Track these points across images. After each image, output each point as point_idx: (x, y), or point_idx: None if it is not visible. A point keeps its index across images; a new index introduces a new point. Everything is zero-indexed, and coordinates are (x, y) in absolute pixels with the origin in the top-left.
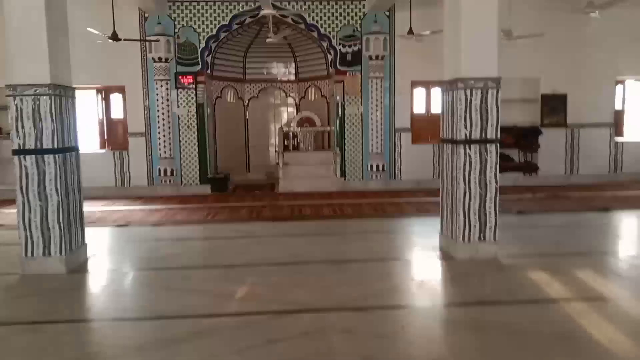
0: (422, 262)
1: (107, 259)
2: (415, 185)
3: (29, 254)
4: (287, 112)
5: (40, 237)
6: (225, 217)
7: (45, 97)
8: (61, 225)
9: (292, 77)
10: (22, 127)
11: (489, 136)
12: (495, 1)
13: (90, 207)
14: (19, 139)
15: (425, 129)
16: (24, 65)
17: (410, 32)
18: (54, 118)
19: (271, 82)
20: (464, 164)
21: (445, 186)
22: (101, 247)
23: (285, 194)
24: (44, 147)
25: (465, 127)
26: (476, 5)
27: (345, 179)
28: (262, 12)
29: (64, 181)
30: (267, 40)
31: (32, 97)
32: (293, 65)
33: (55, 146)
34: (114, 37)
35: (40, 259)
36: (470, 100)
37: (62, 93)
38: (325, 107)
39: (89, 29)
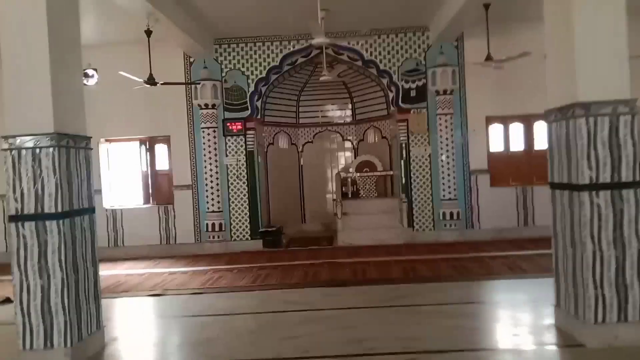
0: (535, 352)
1: (130, 346)
2: (497, 235)
3: (27, 345)
4: (344, 157)
5: (41, 324)
6: (276, 281)
7: (47, 149)
8: (66, 308)
9: (349, 119)
10: (20, 186)
11: (624, 178)
12: (622, 2)
13: (129, 270)
14: (16, 202)
15: (505, 169)
16: (22, 112)
17: (489, 58)
18: (59, 175)
19: (327, 126)
20: (591, 218)
21: (561, 246)
22: (127, 327)
23: (345, 248)
24: (46, 210)
25: (590, 168)
26: (596, 10)
27: (413, 230)
28: (314, 42)
29: (71, 253)
30: (321, 78)
31: (32, 149)
32: (350, 106)
33: (60, 209)
34: (151, 81)
35: (40, 353)
36: (595, 131)
37: (71, 144)
38: (387, 150)
39: (121, 72)
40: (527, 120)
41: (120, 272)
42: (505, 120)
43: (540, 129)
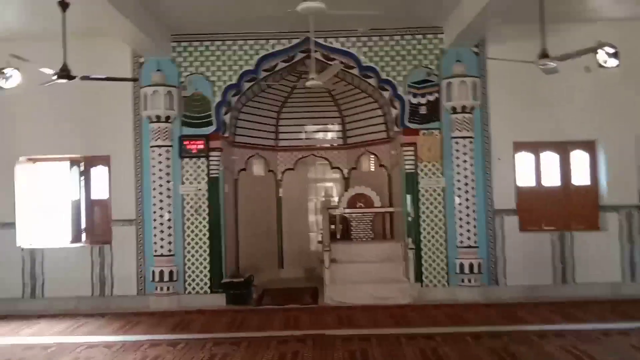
0: None
1: None
2: (528, 295)
3: None
4: (333, 189)
5: None
6: None
7: None
8: None
9: (340, 142)
10: None
11: None
12: None
13: (34, 338)
14: None
15: (537, 209)
16: None
17: (544, 55)
18: None
19: (312, 150)
20: None
21: None
22: None
23: (335, 310)
24: None
25: None
26: None
27: (422, 285)
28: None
29: None
30: (308, 83)
31: None
32: (340, 126)
33: None
34: (64, 74)
35: None
36: None
37: None
38: (386, 181)
39: (42, 69)
40: (563, 149)
41: (20, 342)
42: (537, 147)
43: (580, 159)
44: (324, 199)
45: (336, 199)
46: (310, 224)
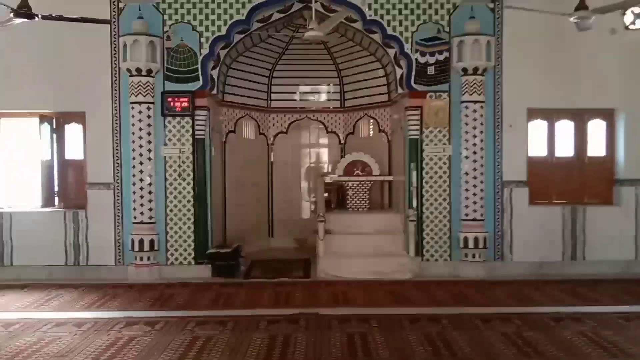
0: None
1: None
2: (535, 272)
3: None
4: (328, 154)
5: None
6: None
7: None
8: None
9: (336, 105)
10: None
11: None
12: None
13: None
14: None
15: (548, 181)
16: None
17: (582, 6)
18: None
19: (306, 112)
20: None
21: None
22: None
23: (329, 285)
24: None
25: None
26: None
27: (422, 259)
28: None
29: None
30: (307, 34)
31: None
32: (338, 87)
33: None
34: (23, 12)
35: None
36: None
37: None
38: (386, 148)
39: None
40: (580, 117)
41: None
42: (551, 115)
43: (597, 128)
44: (318, 165)
45: (331, 165)
46: (302, 191)
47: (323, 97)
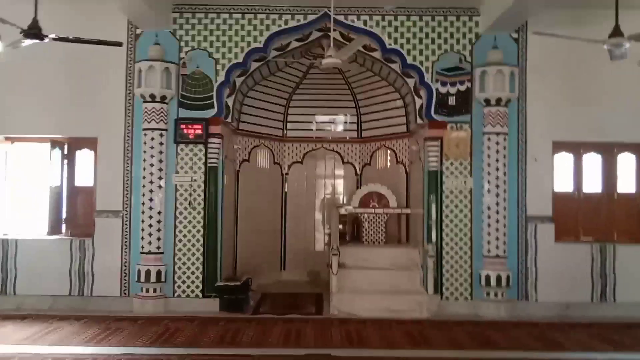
0: None
1: None
2: (561, 313)
3: None
4: (343, 185)
5: None
6: None
7: None
8: None
9: (353, 135)
10: None
11: None
12: None
13: None
14: None
15: (575, 217)
16: None
17: (617, 33)
18: None
19: (322, 142)
20: None
21: None
22: None
23: (343, 323)
24: None
25: None
26: None
27: (442, 297)
28: None
29: None
30: (324, 61)
31: None
32: (355, 117)
33: None
34: (33, 32)
35: None
36: None
37: None
38: (404, 180)
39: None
40: (608, 151)
41: None
42: (578, 148)
43: (627, 163)
44: (333, 196)
45: (347, 197)
46: (316, 223)
47: (340, 127)
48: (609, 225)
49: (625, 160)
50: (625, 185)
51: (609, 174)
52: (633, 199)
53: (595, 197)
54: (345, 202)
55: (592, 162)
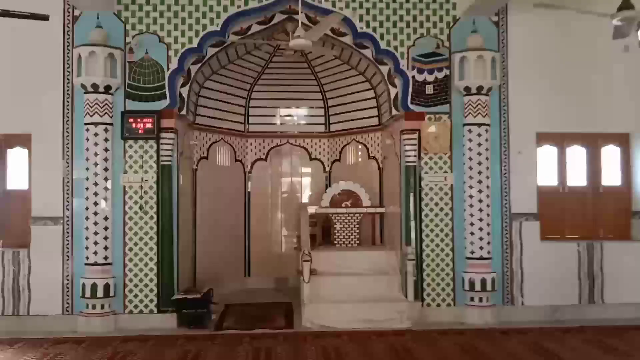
0: None
1: None
2: (549, 317)
3: None
4: (311, 184)
5: None
6: None
7: None
8: None
9: (321, 129)
10: None
11: None
12: None
13: None
14: None
15: (560, 213)
16: None
17: (627, 5)
18: None
19: (288, 137)
20: None
21: None
22: None
23: (316, 337)
24: None
25: None
26: None
27: (422, 304)
28: None
29: None
30: (292, 43)
31: None
32: (322, 110)
33: None
34: None
35: None
36: None
37: None
38: (377, 176)
39: None
40: (593, 142)
41: None
42: (562, 140)
43: (611, 155)
44: (301, 195)
45: (316, 196)
46: (283, 224)
47: (306, 120)
48: (596, 220)
49: (609, 152)
50: (610, 178)
51: (594, 167)
52: (619, 191)
53: (581, 191)
54: (314, 201)
55: (577, 154)
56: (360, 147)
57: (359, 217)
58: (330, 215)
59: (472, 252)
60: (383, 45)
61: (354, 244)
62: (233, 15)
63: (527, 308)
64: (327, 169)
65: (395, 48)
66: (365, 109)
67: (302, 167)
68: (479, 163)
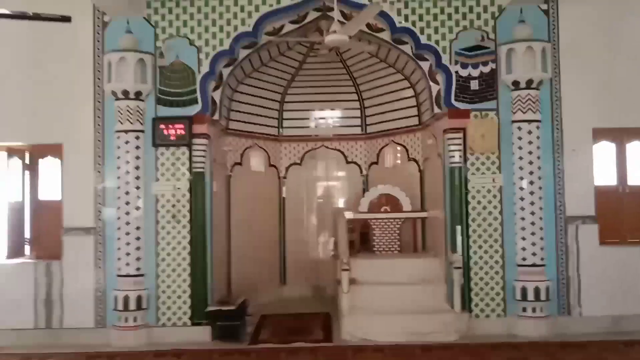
0: None
1: None
2: (612, 328)
3: None
4: (348, 188)
5: None
6: None
7: None
8: None
9: (357, 131)
10: None
11: None
12: None
13: None
14: None
15: (620, 215)
16: None
17: None
18: None
19: (323, 140)
20: None
21: None
22: None
23: (358, 352)
24: None
25: None
26: None
27: (471, 315)
28: None
29: None
30: (328, 38)
31: None
32: (358, 111)
33: None
34: None
35: None
36: None
37: None
38: (417, 179)
39: None
40: None
41: None
42: (621, 135)
43: None
44: (337, 200)
45: (353, 200)
46: (319, 231)
47: (341, 122)
48: None
49: None
50: None
51: None
52: None
53: None
54: (351, 206)
55: (637, 151)
56: (399, 148)
57: (400, 223)
58: (369, 220)
59: (524, 259)
60: (423, 39)
61: (395, 250)
62: (265, 14)
63: (585, 319)
64: (364, 172)
65: (437, 42)
66: (403, 108)
67: (338, 170)
68: (530, 162)
